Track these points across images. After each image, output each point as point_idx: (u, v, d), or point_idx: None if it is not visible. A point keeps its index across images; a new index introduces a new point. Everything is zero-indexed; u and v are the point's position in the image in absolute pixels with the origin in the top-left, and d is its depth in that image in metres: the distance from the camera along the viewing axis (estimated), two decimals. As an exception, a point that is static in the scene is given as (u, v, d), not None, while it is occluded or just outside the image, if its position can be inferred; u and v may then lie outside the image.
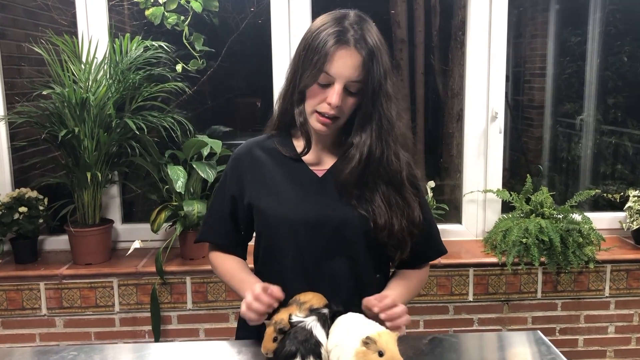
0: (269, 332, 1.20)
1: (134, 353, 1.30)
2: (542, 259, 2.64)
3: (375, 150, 1.35)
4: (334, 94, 1.31)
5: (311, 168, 1.43)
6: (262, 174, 1.43)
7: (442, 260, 2.63)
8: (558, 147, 3.61)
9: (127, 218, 2.94)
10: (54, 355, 1.22)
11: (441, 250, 1.55)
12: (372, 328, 1.14)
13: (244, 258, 1.57)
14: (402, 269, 1.51)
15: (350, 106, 1.36)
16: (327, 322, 1.22)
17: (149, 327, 2.65)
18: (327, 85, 1.32)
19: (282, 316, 1.22)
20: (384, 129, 1.36)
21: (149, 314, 2.63)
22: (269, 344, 1.19)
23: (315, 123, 1.37)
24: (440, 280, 2.70)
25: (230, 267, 1.51)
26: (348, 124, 1.39)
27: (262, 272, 1.46)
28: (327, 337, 1.19)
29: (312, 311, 1.24)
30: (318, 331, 1.18)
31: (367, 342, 1.08)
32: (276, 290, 1.27)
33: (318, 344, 1.15)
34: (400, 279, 1.48)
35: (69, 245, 2.69)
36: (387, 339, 1.08)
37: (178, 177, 2.55)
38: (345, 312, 1.25)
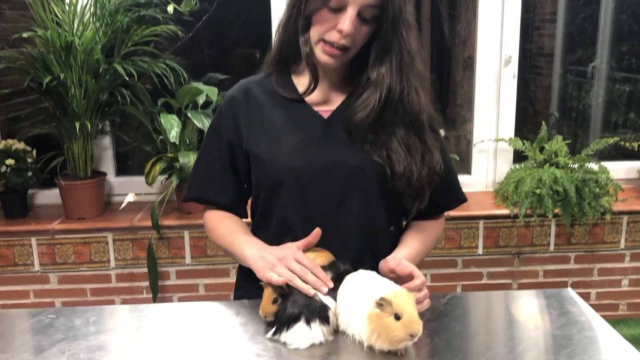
0: (268, 293, 1.07)
1: (122, 315, 1.19)
2: (556, 211, 2.52)
3: (395, 87, 1.19)
4: (346, 20, 1.13)
5: (315, 109, 1.27)
6: (260, 117, 1.27)
7: (450, 212, 2.51)
8: (568, 96, 3.45)
9: (122, 171, 2.82)
10: (31, 319, 1.11)
11: (461, 198, 1.41)
12: (387, 287, 1.00)
13: (245, 217, 1.39)
14: (417, 219, 1.37)
15: (364, 36, 1.18)
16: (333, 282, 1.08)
17: (147, 283, 2.56)
18: (338, 9, 1.15)
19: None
20: (404, 63, 1.19)
21: (146, 270, 2.54)
22: (267, 306, 1.07)
23: (321, 54, 1.19)
24: (449, 233, 2.59)
25: (231, 229, 1.31)
26: (357, 57, 1.23)
27: (261, 227, 1.31)
28: (335, 299, 1.06)
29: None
30: (322, 292, 1.06)
31: (382, 303, 0.94)
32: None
33: (324, 307, 1.03)
34: (416, 233, 1.34)
35: (60, 199, 2.58)
36: (405, 300, 0.94)
37: (172, 127, 2.41)
38: (355, 269, 1.11)
